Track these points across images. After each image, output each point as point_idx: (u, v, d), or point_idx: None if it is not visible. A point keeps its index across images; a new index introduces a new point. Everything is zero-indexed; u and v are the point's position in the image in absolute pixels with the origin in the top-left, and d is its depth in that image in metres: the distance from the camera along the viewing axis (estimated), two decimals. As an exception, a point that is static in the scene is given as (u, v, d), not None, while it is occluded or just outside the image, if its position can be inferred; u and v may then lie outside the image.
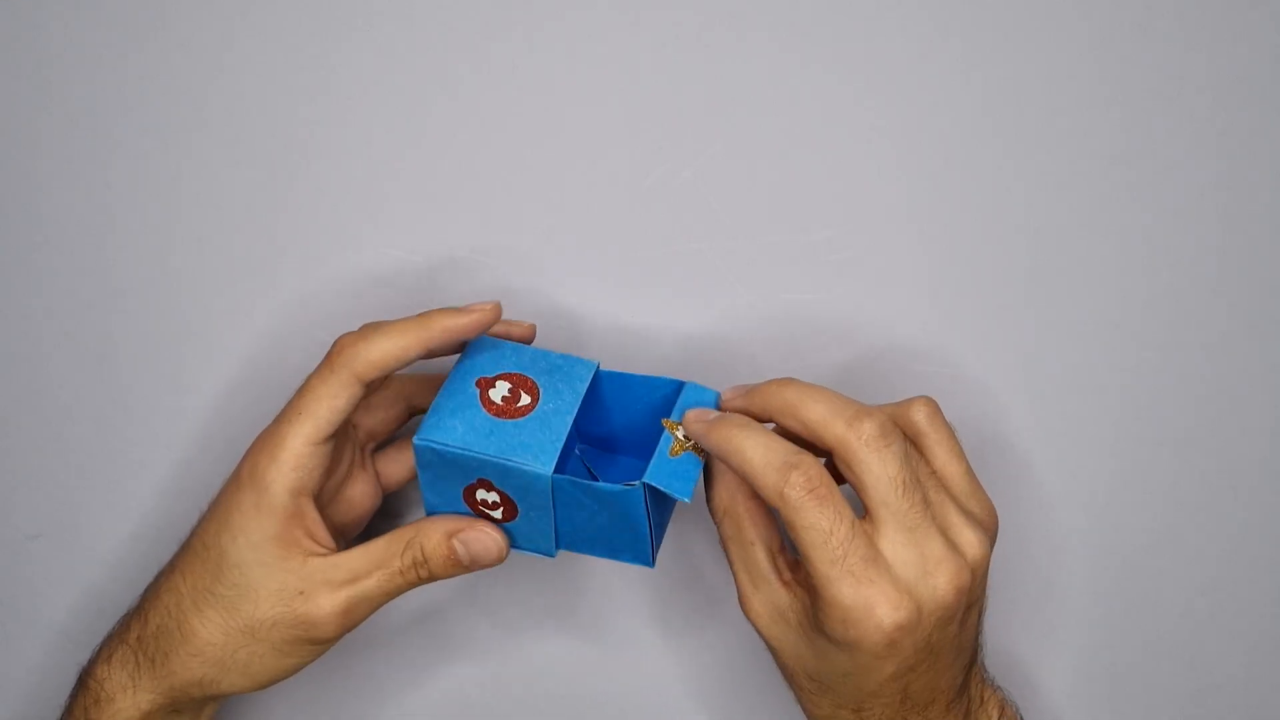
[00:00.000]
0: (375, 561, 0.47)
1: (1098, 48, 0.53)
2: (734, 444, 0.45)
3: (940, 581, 0.44)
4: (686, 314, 0.55)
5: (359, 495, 0.52)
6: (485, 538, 0.48)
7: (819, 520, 0.43)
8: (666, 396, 0.49)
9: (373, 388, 0.48)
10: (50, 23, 0.55)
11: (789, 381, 0.46)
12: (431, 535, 0.47)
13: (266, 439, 0.47)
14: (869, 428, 0.44)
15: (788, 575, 0.47)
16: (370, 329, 0.47)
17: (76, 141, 0.55)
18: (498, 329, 0.50)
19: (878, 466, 0.44)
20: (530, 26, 0.54)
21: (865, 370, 0.55)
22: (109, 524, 0.57)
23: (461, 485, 0.47)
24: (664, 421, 0.48)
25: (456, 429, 0.46)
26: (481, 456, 0.46)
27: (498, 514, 0.48)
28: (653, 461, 0.46)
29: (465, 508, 0.48)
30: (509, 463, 0.46)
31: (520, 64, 0.54)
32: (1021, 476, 0.56)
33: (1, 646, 0.58)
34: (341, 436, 0.50)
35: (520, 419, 0.47)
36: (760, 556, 0.47)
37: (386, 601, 0.48)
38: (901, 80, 0.54)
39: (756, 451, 0.44)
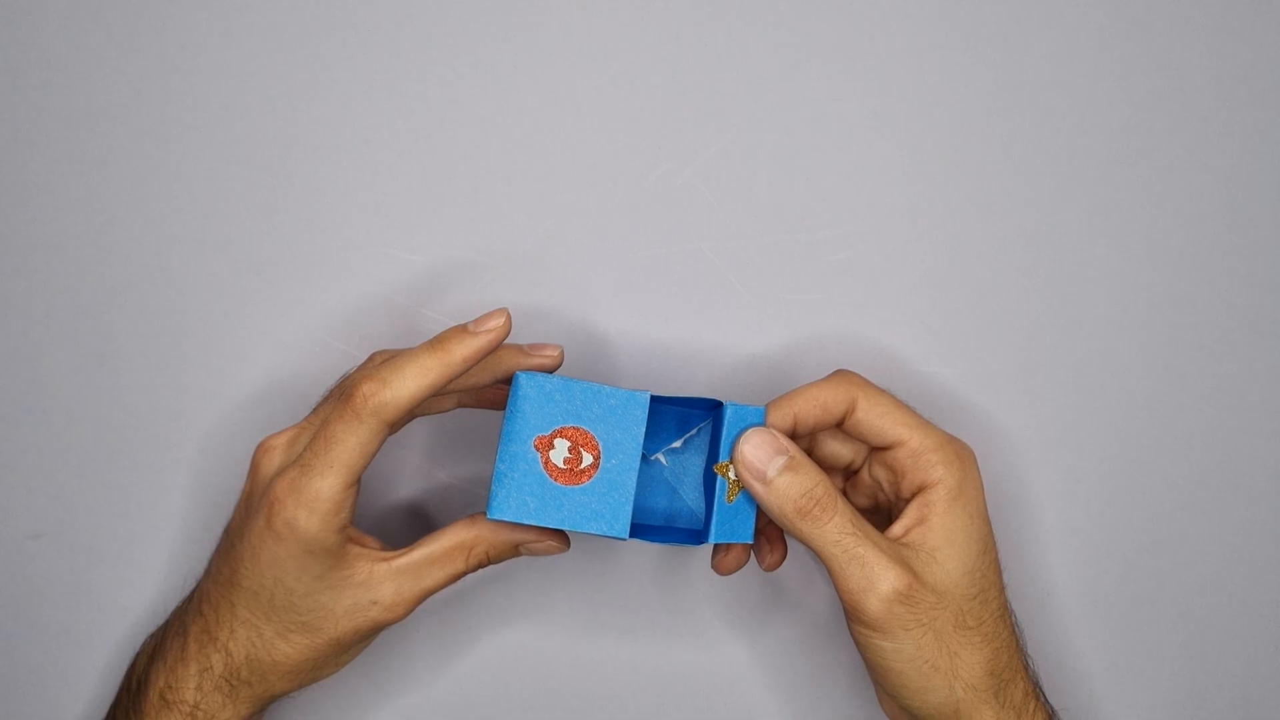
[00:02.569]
0: (437, 564, 0.49)
1: (1098, 48, 0.53)
2: (790, 400, 0.49)
3: None
4: (686, 314, 0.55)
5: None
6: (550, 546, 0.49)
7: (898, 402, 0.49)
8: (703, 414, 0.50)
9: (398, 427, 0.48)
10: (50, 23, 0.55)
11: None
12: (496, 542, 0.49)
13: (297, 489, 0.46)
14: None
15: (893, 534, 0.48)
16: (388, 370, 0.46)
17: (77, 141, 0.55)
18: (529, 362, 0.49)
19: (890, 398, 0.49)
20: (531, 27, 0.54)
21: (865, 370, 0.55)
22: (109, 524, 0.57)
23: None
24: (715, 467, 0.48)
25: (528, 504, 0.47)
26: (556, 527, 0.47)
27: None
28: (714, 516, 0.47)
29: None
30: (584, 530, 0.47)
31: (521, 64, 0.54)
32: (1021, 476, 0.56)
33: (2, 647, 0.57)
34: None
35: (586, 484, 0.47)
36: (875, 531, 0.47)
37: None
38: (902, 80, 0.54)
39: (811, 389, 0.49)
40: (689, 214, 0.55)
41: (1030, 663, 0.50)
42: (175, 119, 0.55)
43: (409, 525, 0.57)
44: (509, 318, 0.47)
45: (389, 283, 0.55)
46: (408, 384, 0.46)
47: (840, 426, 0.50)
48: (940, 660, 0.46)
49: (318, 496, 0.46)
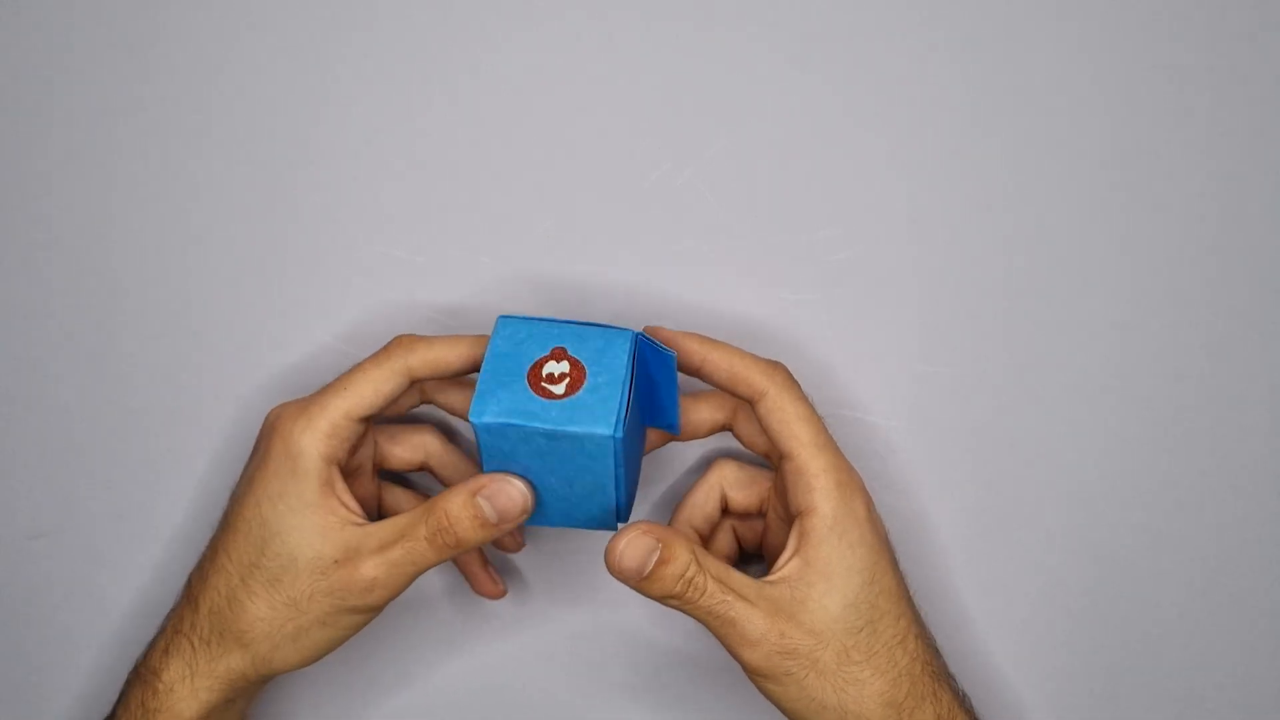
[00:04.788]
0: (402, 531, 0.47)
1: (1098, 48, 0.53)
2: (712, 352, 0.50)
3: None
4: (686, 314, 0.55)
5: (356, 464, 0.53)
6: (508, 487, 0.47)
7: (804, 396, 0.49)
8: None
9: (416, 384, 0.50)
10: (52, 22, 0.55)
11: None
12: (454, 499, 0.47)
13: (302, 408, 0.49)
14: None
15: (767, 578, 0.48)
16: (428, 336, 0.50)
17: (77, 141, 0.55)
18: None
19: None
20: (530, 27, 0.54)
21: (865, 370, 0.55)
22: (109, 524, 0.57)
23: (527, 365, 0.47)
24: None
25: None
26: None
27: (560, 388, 0.47)
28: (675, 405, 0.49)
29: (529, 393, 0.47)
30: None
31: (520, 64, 0.54)
32: (1020, 476, 0.56)
33: (2, 647, 0.58)
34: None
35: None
36: (744, 578, 0.48)
37: (420, 570, 0.48)
38: (902, 80, 0.54)
39: (738, 356, 0.49)
40: (689, 214, 0.55)
41: (952, 685, 0.49)
42: (175, 120, 0.55)
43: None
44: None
45: (389, 283, 0.55)
46: (440, 345, 0.49)
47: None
48: (828, 698, 0.47)
49: (320, 410, 0.48)
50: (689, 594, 0.47)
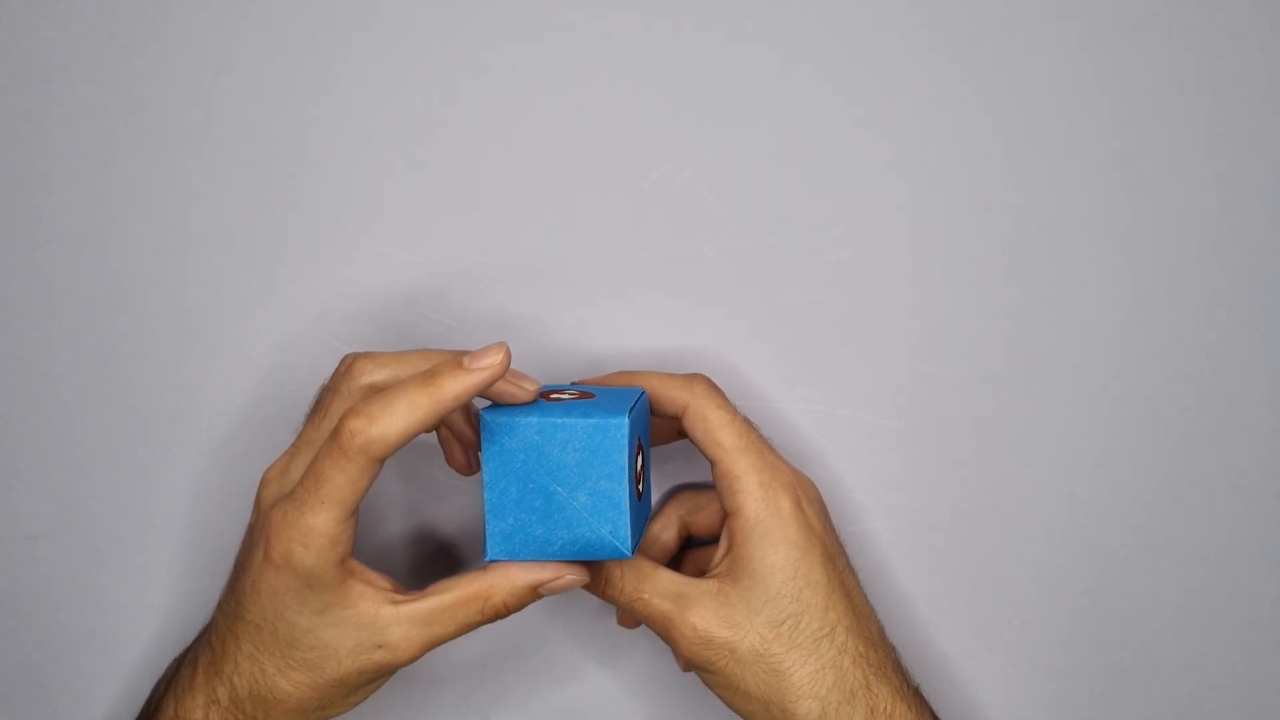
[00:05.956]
0: (449, 613, 0.47)
1: (1097, 48, 0.53)
2: (637, 378, 0.51)
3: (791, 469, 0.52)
4: (686, 314, 0.55)
5: None
6: (570, 580, 0.48)
7: (725, 403, 0.50)
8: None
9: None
10: (52, 22, 0.55)
11: None
12: (513, 590, 0.47)
13: (290, 523, 0.45)
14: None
15: (690, 572, 0.51)
16: (377, 406, 0.44)
17: (78, 141, 0.55)
18: (502, 387, 0.47)
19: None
20: (530, 27, 0.54)
21: (865, 370, 0.55)
22: (109, 524, 0.57)
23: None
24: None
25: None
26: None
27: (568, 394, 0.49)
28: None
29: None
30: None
31: (520, 64, 0.54)
32: (1020, 476, 0.56)
33: (2, 647, 0.57)
34: None
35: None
36: (672, 575, 0.50)
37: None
38: (902, 80, 0.54)
39: (656, 378, 0.51)
40: (689, 214, 0.55)
41: (896, 680, 0.49)
42: (176, 119, 0.55)
43: (416, 537, 0.57)
44: (508, 354, 0.45)
45: (388, 283, 0.55)
46: (396, 421, 0.44)
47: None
48: (751, 687, 0.48)
49: (311, 531, 0.45)
50: (607, 591, 0.50)
